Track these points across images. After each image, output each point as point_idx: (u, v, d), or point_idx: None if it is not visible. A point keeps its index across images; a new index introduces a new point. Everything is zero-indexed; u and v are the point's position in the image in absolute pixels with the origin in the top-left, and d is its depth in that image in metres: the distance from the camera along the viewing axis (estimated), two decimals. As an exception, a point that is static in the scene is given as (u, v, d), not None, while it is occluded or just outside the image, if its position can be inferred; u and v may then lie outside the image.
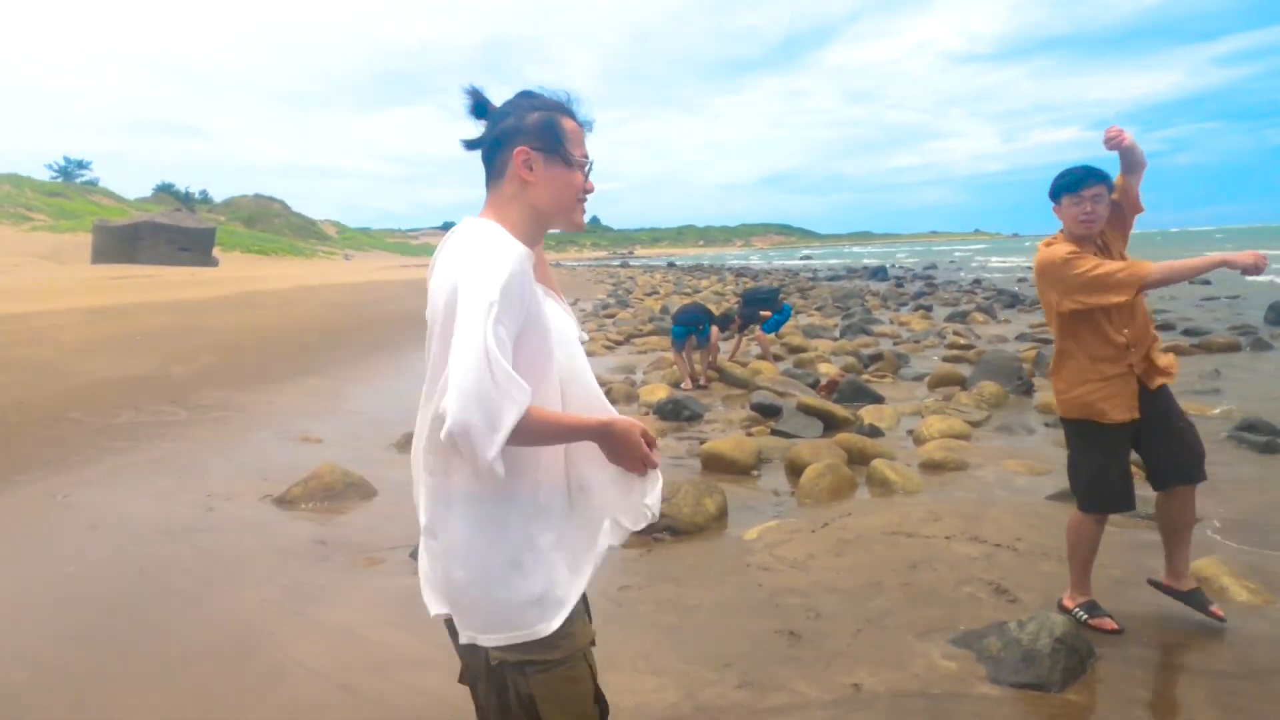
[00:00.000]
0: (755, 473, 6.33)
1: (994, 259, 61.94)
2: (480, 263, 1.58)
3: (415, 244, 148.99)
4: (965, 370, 10.23)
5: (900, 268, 45.06)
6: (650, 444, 1.75)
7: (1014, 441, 7.20)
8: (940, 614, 3.79)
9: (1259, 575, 4.06)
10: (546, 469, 1.72)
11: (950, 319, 17.68)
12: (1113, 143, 3.44)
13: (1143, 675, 3.26)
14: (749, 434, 7.39)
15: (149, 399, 8.92)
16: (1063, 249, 3.45)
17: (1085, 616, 3.61)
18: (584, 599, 1.81)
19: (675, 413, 8.32)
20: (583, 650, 1.73)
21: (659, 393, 9.25)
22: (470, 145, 1.80)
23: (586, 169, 1.78)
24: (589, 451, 1.76)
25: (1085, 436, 3.60)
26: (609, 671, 3.36)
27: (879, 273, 41.02)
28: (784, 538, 4.77)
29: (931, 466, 6.30)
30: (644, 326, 17.69)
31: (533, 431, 1.56)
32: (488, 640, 1.67)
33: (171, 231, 45.70)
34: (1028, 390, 9.19)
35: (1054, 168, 3.66)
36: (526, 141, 1.72)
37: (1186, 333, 13.74)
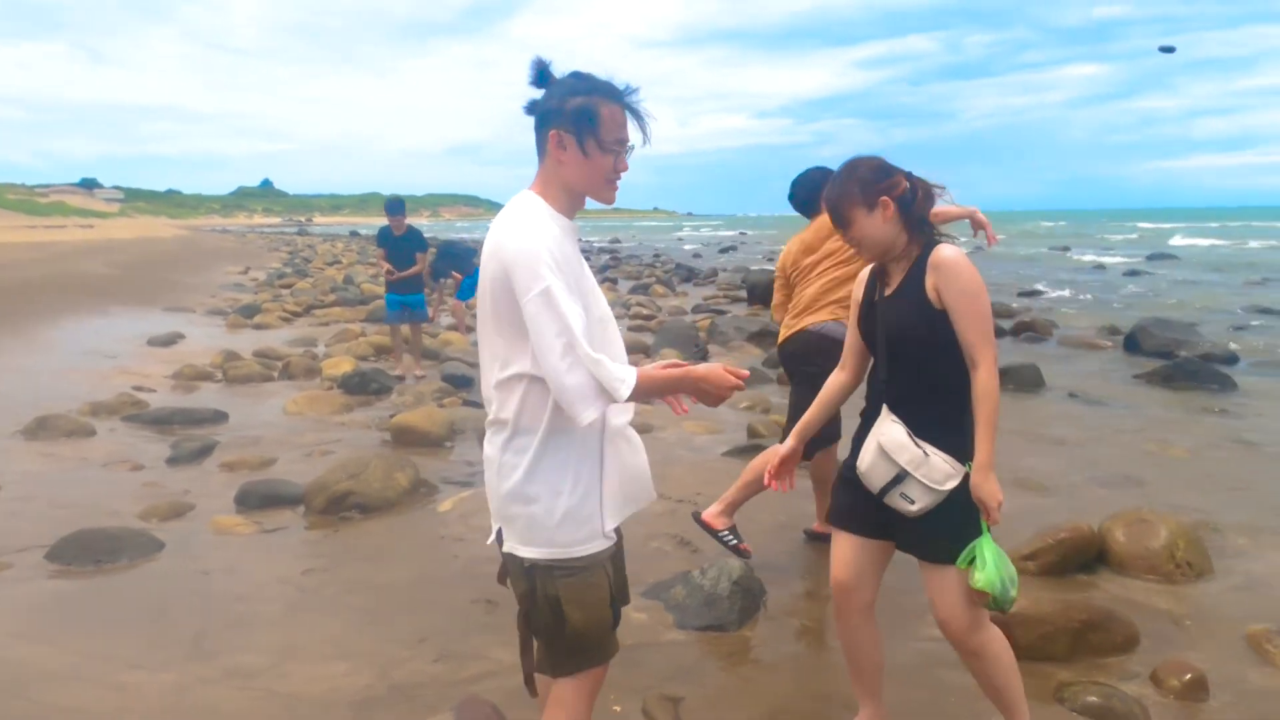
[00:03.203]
0: (448, 444, 6.22)
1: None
2: (521, 240, 1.76)
3: (45, 202, 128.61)
4: (649, 339, 10.81)
5: (585, 241, 46.53)
6: (738, 375, 1.93)
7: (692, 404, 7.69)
8: (631, 569, 3.93)
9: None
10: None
11: (634, 291, 18.57)
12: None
13: (805, 607, 3.63)
14: (440, 406, 7.24)
15: None
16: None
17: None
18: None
19: (362, 386, 7.93)
20: (603, 562, 1.95)
21: (344, 366, 8.77)
22: (528, 110, 1.91)
23: (623, 152, 1.89)
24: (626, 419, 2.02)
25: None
26: (292, 661, 3.14)
27: (566, 246, 41.92)
28: (478, 507, 4.72)
29: (619, 430, 6.56)
30: (326, 297, 16.71)
31: (639, 392, 1.80)
32: (526, 552, 1.88)
33: None
34: (703, 356, 9.88)
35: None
36: (561, 125, 1.84)
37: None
